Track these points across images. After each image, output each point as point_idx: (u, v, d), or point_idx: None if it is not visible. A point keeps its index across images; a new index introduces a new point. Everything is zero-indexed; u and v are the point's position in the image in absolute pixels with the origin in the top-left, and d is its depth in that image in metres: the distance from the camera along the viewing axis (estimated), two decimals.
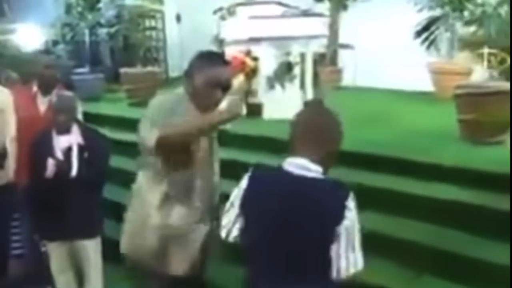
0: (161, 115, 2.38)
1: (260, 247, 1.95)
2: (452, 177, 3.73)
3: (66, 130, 3.39)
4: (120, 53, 8.90)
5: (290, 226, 1.82)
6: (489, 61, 5.01)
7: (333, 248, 1.81)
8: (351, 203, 1.81)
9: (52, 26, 9.06)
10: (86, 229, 3.55)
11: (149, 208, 2.52)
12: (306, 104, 2.15)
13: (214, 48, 8.46)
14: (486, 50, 4.86)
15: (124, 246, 2.71)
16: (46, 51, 4.93)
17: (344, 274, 1.84)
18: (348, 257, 1.82)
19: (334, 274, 1.85)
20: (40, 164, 3.33)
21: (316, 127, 1.90)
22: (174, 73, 10.02)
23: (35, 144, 3.46)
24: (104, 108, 6.90)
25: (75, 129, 3.43)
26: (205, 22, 8.93)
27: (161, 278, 2.55)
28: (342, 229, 1.78)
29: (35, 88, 3.89)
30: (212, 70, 2.43)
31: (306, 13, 6.32)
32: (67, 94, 3.67)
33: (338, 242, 1.79)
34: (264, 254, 1.94)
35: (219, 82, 2.42)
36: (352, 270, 1.85)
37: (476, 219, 3.37)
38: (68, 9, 8.67)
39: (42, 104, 3.86)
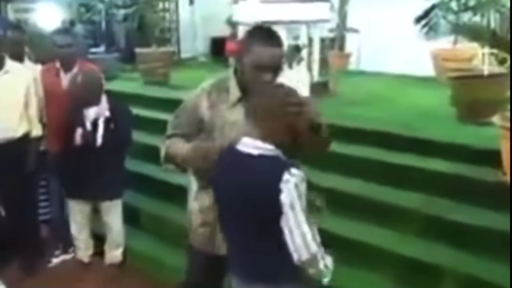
0: (179, 115, 2.41)
1: (222, 224, 2.10)
2: (443, 151, 4.06)
3: (95, 103, 3.72)
4: (135, 34, 9.17)
5: (239, 202, 1.89)
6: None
7: (283, 221, 1.81)
8: (288, 176, 1.78)
9: (68, 6, 9.33)
10: (109, 191, 3.96)
11: (192, 214, 2.50)
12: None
13: (228, 30, 8.80)
14: (486, 50, 4.96)
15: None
16: (65, 30, 5.09)
17: (304, 256, 1.81)
18: (303, 234, 1.79)
19: (294, 257, 1.83)
20: (70, 133, 3.72)
21: (257, 106, 1.92)
22: (185, 54, 10.34)
23: (67, 115, 3.80)
24: (122, 86, 7.22)
25: (103, 101, 3.79)
26: (217, 4, 9.18)
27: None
28: (282, 201, 1.78)
29: (57, 65, 4.14)
30: (259, 49, 2.13)
31: None
32: (94, 70, 3.99)
33: (285, 215, 1.79)
34: (225, 231, 2.09)
35: (264, 64, 2.12)
36: (320, 266, 1.83)
37: (464, 189, 3.70)
38: None
39: (64, 79, 4.09)
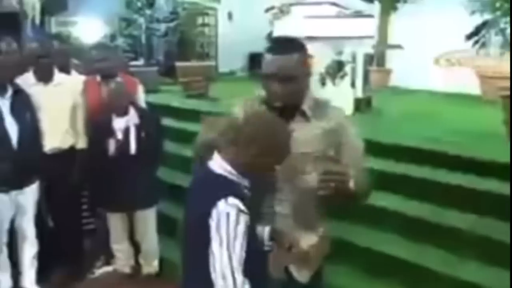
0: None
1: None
2: (490, 170, 3.93)
3: (124, 112, 3.74)
4: (174, 48, 9.24)
5: (187, 218, 1.88)
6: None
7: (210, 247, 1.72)
8: (222, 203, 1.70)
9: (109, 20, 9.49)
10: (143, 200, 3.91)
11: None
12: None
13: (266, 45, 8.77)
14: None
15: None
16: (103, 45, 5.11)
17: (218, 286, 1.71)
18: (221, 263, 1.69)
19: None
20: (102, 144, 3.72)
21: (244, 132, 1.79)
22: (224, 68, 10.36)
23: (97, 126, 3.81)
24: (162, 99, 7.25)
25: (132, 111, 3.79)
26: (256, 20, 9.20)
27: None
28: (210, 226, 1.71)
29: (98, 78, 4.12)
30: (264, 57, 2.00)
31: (358, 14, 6.51)
32: (119, 82, 3.93)
33: (211, 241, 1.71)
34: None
35: (266, 72, 1.97)
36: None
37: None
38: (128, 4, 9.05)
39: (105, 92, 4.00)
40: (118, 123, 3.75)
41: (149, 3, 8.91)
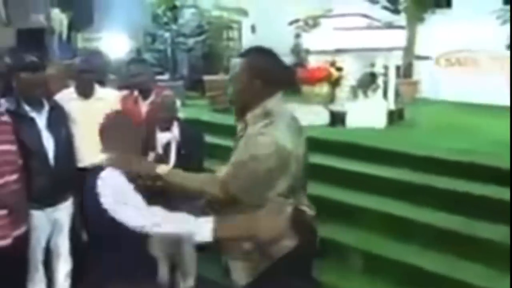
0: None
1: None
2: None
3: (167, 128, 3.67)
4: (198, 62, 9.22)
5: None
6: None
7: None
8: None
9: (135, 35, 9.56)
10: None
11: None
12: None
13: (292, 58, 8.75)
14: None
15: None
16: (139, 60, 5.09)
17: None
18: None
19: None
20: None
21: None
22: None
23: (142, 140, 3.75)
24: (189, 113, 7.19)
25: (175, 126, 3.72)
26: (279, 33, 9.15)
27: None
28: None
29: (135, 93, 4.08)
30: None
31: (389, 26, 6.42)
32: (169, 95, 3.90)
33: None
34: None
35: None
36: None
37: None
38: (154, 19, 9.07)
39: (143, 107, 4.03)
40: (160, 138, 3.69)
41: (174, 17, 8.92)
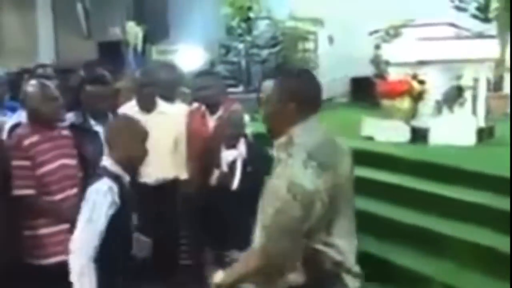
0: None
1: None
2: None
3: (233, 145, 3.52)
4: (273, 74, 9.01)
5: None
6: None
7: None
8: (90, 193, 2.39)
9: (209, 47, 9.47)
10: (241, 241, 3.55)
11: None
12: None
13: (371, 69, 8.35)
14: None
15: None
16: (206, 72, 4.94)
17: None
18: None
19: None
20: (207, 175, 3.54)
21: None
22: (323, 94, 9.98)
23: (207, 156, 3.61)
24: (261, 128, 6.98)
25: (241, 143, 3.54)
26: (358, 44, 8.83)
27: None
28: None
29: (203, 107, 3.94)
30: None
31: (479, 35, 5.90)
32: (237, 110, 3.70)
33: None
34: None
35: None
36: None
37: None
38: (229, 30, 9.01)
39: (211, 121, 3.91)
40: (226, 155, 3.54)
41: (249, 29, 8.81)
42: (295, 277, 1.92)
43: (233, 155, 3.51)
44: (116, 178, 2.46)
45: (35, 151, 2.98)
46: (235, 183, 3.46)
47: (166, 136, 3.76)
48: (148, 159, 3.43)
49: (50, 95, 3.08)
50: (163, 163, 3.75)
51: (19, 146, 2.97)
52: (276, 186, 1.85)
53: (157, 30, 8.91)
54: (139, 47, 8.89)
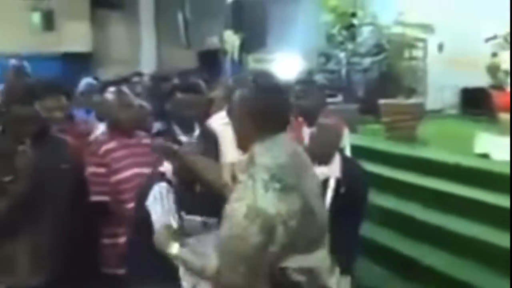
0: None
1: None
2: None
3: (326, 162, 3.13)
4: (375, 84, 8.50)
5: None
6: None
7: None
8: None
9: (306, 56, 9.13)
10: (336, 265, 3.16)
11: None
12: None
13: (486, 79, 7.60)
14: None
15: None
16: (304, 81, 4.59)
17: None
18: None
19: None
20: None
21: None
22: (432, 105, 9.31)
23: None
24: (363, 141, 6.52)
25: (336, 160, 3.16)
26: (471, 51, 8.18)
27: None
28: None
29: (300, 119, 3.65)
30: None
31: None
32: (333, 126, 3.29)
33: None
34: None
35: None
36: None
37: None
38: (329, 38, 8.66)
39: (306, 135, 3.58)
40: (317, 173, 3.12)
41: (351, 36, 8.38)
42: None
43: (324, 174, 3.11)
44: None
45: (110, 158, 2.97)
46: (327, 205, 3.02)
47: None
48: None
49: (127, 102, 3.05)
50: None
51: (96, 152, 2.99)
52: (233, 210, 1.71)
53: (255, 39, 8.73)
54: (236, 56, 8.75)
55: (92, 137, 3.38)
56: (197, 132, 3.20)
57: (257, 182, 1.70)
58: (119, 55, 11.35)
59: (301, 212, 1.72)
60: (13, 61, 4.47)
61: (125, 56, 11.12)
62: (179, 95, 3.29)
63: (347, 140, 3.78)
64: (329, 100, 8.30)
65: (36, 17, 10.75)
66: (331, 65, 9.08)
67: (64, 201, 2.79)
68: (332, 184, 3.12)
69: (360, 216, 3.32)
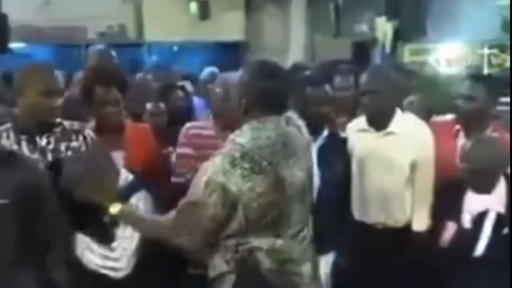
0: None
1: None
2: None
3: (486, 189, 2.58)
4: None
5: None
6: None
7: None
8: None
9: (474, 47, 8.22)
10: None
11: None
12: None
13: None
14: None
15: None
16: (480, 76, 4.11)
17: None
18: None
19: None
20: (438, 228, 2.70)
21: None
22: None
23: (440, 198, 2.76)
24: None
25: (500, 188, 2.57)
26: None
27: None
28: None
29: (457, 125, 2.95)
30: None
31: None
32: (493, 140, 2.66)
33: None
34: None
35: None
36: None
37: None
38: (505, 26, 7.51)
39: (467, 145, 2.83)
40: (473, 203, 2.65)
41: None
42: (223, 267, 1.90)
43: (484, 204, 2.58)
44: None
45: (200, 143, 2.84)
46: (481, 248, 2.53)
47: (393, 165, 2.87)
48: (366, 193, 2.87)
49: (228, 96, 2.75)
50: (386, 202, 2.89)
51: (186, 133, 2.96)
52: (197, 178, 1.86)
53: (412, 26, 8.02)
54: (388, 46, 8.12)
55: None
56: (325, 133, 2.89)
57: (225, 158, 1.81)
58: (270, 44, 11.46)
59: (271, 197, 1.81)
60: (99, 46, 4.35)
61: (276, 46, 11.15)
62: (309, 89, 2.95)
63: None
64: (502, 100, 7.27)
65: (194, 7, 11.11)
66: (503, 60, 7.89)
67: None
68: (491, 219, 2.54)
69: None
